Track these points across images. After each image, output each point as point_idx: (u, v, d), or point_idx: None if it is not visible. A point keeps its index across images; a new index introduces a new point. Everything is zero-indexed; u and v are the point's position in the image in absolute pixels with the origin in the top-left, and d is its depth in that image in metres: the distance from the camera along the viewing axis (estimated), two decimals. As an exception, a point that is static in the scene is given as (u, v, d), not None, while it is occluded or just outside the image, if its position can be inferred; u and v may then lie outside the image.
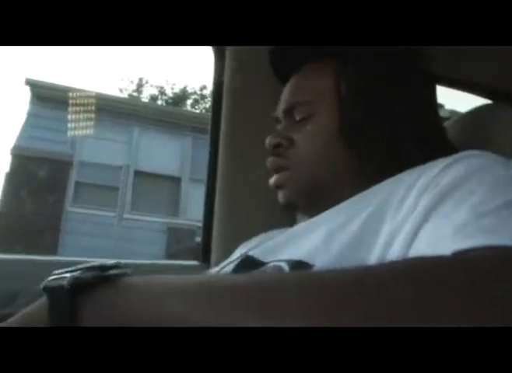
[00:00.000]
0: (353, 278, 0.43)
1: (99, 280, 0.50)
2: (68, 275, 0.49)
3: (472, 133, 0.86)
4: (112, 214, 8.31)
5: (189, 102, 16.62)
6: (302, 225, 0.74)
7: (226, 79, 1.24)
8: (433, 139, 0.76)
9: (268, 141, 0.81)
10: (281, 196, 0.80)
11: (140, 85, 16.50)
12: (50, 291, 0.50)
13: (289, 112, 0.81)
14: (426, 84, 0.81)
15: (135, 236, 8.01)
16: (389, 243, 0.55)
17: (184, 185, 8.76)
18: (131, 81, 17.65)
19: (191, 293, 0.47)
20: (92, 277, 0.49)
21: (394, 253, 0.53)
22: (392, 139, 0.74)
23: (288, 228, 0.80)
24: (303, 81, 0.82)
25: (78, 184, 8.44)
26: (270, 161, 0.81)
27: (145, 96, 16.29)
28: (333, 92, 0.76)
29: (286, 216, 1.00)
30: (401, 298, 0.40)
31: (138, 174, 8.72)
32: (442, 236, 0.48)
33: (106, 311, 0.48)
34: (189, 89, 16.80)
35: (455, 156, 0.60)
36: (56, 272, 0.51)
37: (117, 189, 8.60)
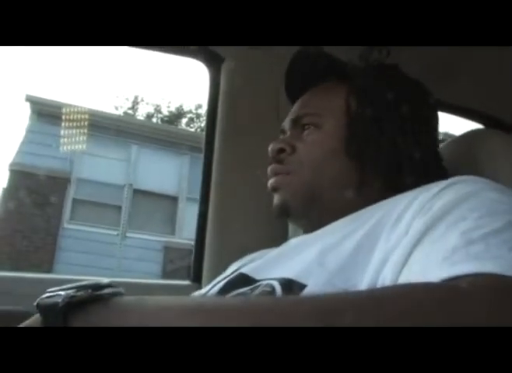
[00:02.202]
0: (336, 306, 0.43)
1: (93, 299, 0.50)
2: (62, 293, 0.50)
3: (464, 156, 0.88)
4: (109, 232, 8.28)
5: (184, 120, 16.65)
6: (295, 243, 0.74)
7: (220, 97, 1.25)
8: (432, 162, 0.79)
9: (272, 146, 0.82)
10: (276, 198, 0.81)
11: (136, 103, 16.54)
12: (44, 308, 0.50)
13: (296, 122, 0.84)
14: (429, 109, 0.84)
15: (131, 254, 7.97)
16: (381, 266, 0.56)
17: (181, 204, 8.75)
18: (127, 99, 17.58)
19: (182, 315, 0.47)
20: (86, 295, 0.49)
21: (387, 276, 0.54)
22: (396, 159, 0.76)
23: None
24: (314, 97, 0.84)
25: (75, 201, 8.43)
26: (271, 168, 0.82)
27: (140, 114, 16.31)
28: (343, 109, 0.79)
29: (279, 236, 1.01)
30: (386, 323, 0.40)
31: (136, 192, 8.71)
32: (431, 262, 0.49)
33: None
34: (185, 108, 16.84)
35: (450, 180, 0.61)
36: (50, 290, 0.51)
37: (114, 206, 8.59)
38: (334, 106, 0.80)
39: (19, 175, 7.98)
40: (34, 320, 0.53)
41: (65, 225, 8.26)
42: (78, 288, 0.50)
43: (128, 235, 8.29)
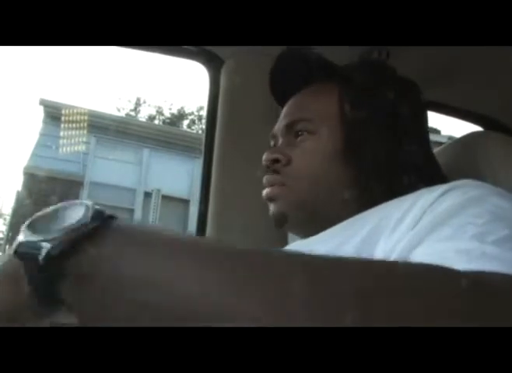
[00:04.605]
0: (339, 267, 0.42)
1: (80, 239, 0.41)
2: (42, 244, 0.40)
3: (464, 158, 0.87)
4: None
5: (186, 122, 16.56)
6: (295, 246, 0.73)
7: (220, 98, 1.24)
8: (429, 163, 0.78)
9: (266, 156, 0.80)
10: (272, 207, 0.79)
11: (138, 105, 16.50)
12: (23, 257, 0.41)
13: (289, 128, 0.81)
14: (420, 111, 0.83)
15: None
16: None
17: (192, 207, 8.77)
18: (129, 101, 17.57)
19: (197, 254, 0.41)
20: (70, 240, 0.40)
21: None
22: (394, 161, 0.75)
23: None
24: (306, 100, 0.82)
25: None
26: (266, 178, 0.80)
27: (142, 116, 16.29)
28: (337, 114, 0.77)
29: (279, 236, 1.00)
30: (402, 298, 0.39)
31: (148, 195, 8.76)
32: (444, 258, 0.47)
33: (92, 279, 0.40)
34: (186, 110, 16.74)
35: (451, 184, 0.60)
36: (26, 232, 0.43)
37: (126, 209, 8.65)
38: (327, 110, 0.78)
39: (33, 178, 8.05)
40: (14, 264, 0.43)
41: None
42: (59, 232, 0.41)
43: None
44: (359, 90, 0.78)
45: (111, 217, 0.42)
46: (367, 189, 0.74)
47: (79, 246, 0.40)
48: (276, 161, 0.79)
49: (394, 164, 0.75)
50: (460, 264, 0.44)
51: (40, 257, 0.40)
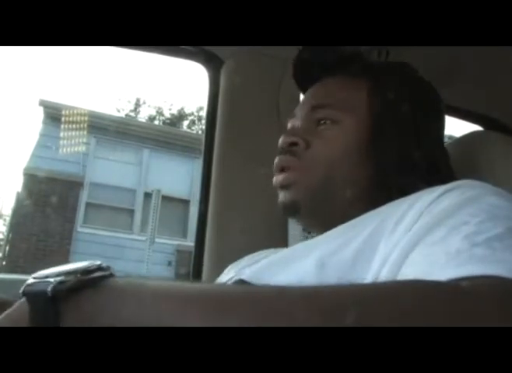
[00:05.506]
0: (339, 303, 0.42)
1: (84, 284, 0.46)
2: (51, 280, 0.45)
3: (463, 158, 0.87)
4: (121, 235, 8.34)
5: (186, 122, 16.59)
6: (295, 248, 0.72)
7: (220, 98, 1.24)
8: (444, 163, 0.78)
9: (284, 139, 0.78)
10: (284, 195, 0.77)
11: (137, 105, 16.54)
12: (31, 296, 0.45)
13: (312, 113, 0.79)
14: (439, 112, 0.83)
15: (144, 257, 8.00)
16: (380, 268, 0.55)
17: (192, 207, 8.77)
18: (129, 101, 17.47)
19: (182, 302, 0.45)
20: (75, 281, 0.45)
21: (384, 276, 0.53)
22: (409, 163, 0.74)
23: (280, 249, 0.79)
24: (333, 89, 0.80)
25: (88, 205, 8.50)
26: (281, 159, 0.78)
27: (142, 116, 16.31)
28: (365, 107, 0.76)
29: (278, 236, 0.99)
30: (388, 322, 0.39)
31: (148, 196, 8.76)
32: (434, 263, 0.48)
33: (92, 317, 0.45)
34: (186, 110, 16.82)
35: (450, 185, 0.60)
36: (36, 275, 0.47)
37: (126, 210, 8.66)
38: (355, 102, 0.77)
39: (33, 179, 8.05)
40: (21, 307, 0.47)
41: (79, 229, 8.33)
42: (67, 273, 0.46)
43: (139, 238, 8.34)
44: (391, 88, 0.77)
45: (111, 275, 0.48)
46: (383, 187, 0.74)
47: (83, 288, 0.45)
48: (294, 144, 0.77)
49: (411, 163, 0.74)
50: (448, 270, 0.45)
51: (49, 288, 0.44)
